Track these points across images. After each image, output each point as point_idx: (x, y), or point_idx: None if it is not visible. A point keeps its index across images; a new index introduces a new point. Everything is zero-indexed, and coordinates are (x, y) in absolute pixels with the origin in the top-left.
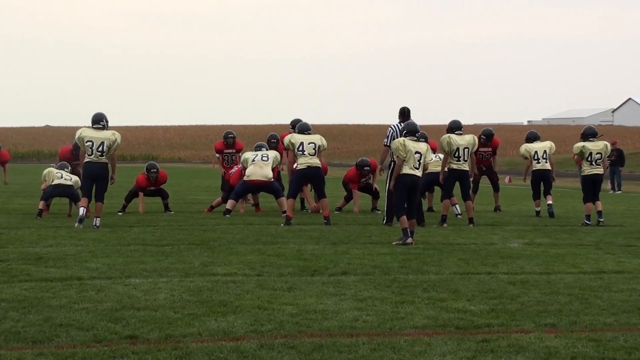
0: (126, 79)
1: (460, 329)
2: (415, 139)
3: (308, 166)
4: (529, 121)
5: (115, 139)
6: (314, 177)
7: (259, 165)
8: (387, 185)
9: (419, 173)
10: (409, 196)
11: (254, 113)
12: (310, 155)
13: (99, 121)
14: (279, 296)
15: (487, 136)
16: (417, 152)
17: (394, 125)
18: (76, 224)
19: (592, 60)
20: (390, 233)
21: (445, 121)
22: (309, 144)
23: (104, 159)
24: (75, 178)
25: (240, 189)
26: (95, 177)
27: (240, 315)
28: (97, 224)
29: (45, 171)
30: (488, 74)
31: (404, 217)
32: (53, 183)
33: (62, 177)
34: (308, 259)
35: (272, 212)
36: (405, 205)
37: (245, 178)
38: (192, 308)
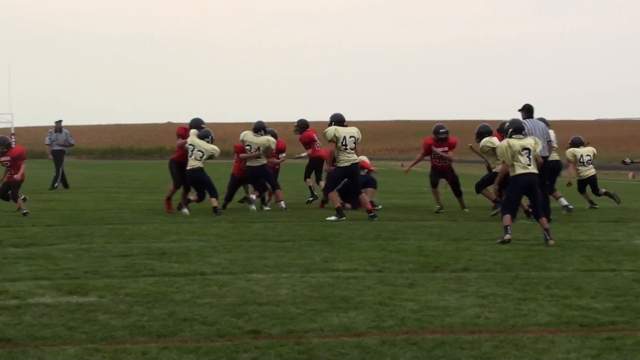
0: (242, 76)
1: (584, 326)
2: (522, 136)
3: (352, 163)
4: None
5: (269, 145)
6: (354, 174)
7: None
8: None
9: (534, 170)
10: (530, 196)
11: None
12: (351, 149)
13: (259, 129)
14: (400, 292)
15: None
16: (525, 149)
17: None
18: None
19: None
20: (512, 229)
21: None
22: (350, 137)
23: (262, 161)
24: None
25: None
26: (260, 174)
27: (361, 311)
28: (284, 206)
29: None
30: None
31: (508, 216)
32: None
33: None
34: (429, 255)
35: (391, 209)
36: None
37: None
38: (314, 303)
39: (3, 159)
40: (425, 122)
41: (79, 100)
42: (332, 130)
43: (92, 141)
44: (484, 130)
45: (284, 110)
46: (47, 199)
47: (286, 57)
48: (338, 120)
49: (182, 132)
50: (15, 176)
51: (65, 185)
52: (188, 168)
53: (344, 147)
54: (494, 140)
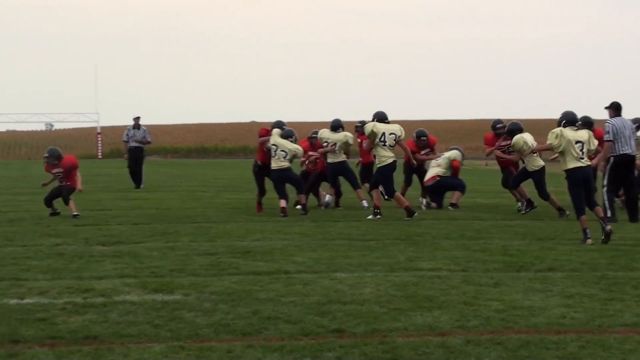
0: (324, 75)
1: None
2: (576, 128)
3: (394, 160)
4: None
5: (347, 141)
6: (394, 170)
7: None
8: (604, 180)
9: (585, 162)
10: (585, 188)
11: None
12: (391, 147)
13: (337, 127)
14: (484, 292)
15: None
16: (577, 142)
17: (610, 120)
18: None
19: None
20: (599, 229)
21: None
22: (390, 134)
23: (342, 157)
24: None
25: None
26: (340, 171)
27: (446, 311)
28: (366, 205)
29: None
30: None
31: (583, 217)
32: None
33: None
34: (514, 255)
35: (475, 208)
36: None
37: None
38: (398, 303)
39: (55, 170)
40: (511, 121)
41: (164, 100)
42: (370, 125)
43: (177, 140)
44: (515, 127)
45: (368, 109)
46: (133, 198)
47: (369, 54)
48: (380, 117)
49: (264, 133)
50: (77, 188)
51: (139, 184)
52: (274, 168)
53: (382, 143)
54: (526, 137)
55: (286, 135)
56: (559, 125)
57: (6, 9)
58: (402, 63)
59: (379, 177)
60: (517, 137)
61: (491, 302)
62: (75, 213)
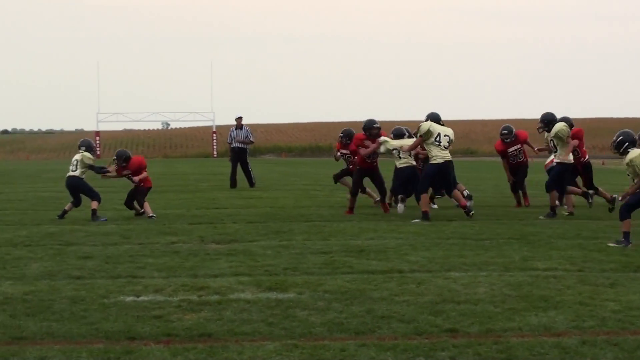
0: (431, 73)
1: None
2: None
3: (445, 160)
4: None
5: (452, 139)
6: (448, 171)
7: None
8: None
9: None
10: None
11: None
12: (445, 148)
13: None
14: (601, 292)
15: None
16: None
17: None
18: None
19: None
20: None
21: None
22: (444, 136)
23: (406, 162)
24: None
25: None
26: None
27: (561, 311)
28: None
29: None
30: None
31: (628, 220)
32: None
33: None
34: (630, 255)
35: (593, 207)
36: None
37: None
38: (513, 302)
39: (125, 172)
40: (624, 120)
41: (279, 99)
42: (427, 124)
43: (292, 139)
44: (552, 118)
45: (485, 108)
46: (247, 197)
47: (481, 53)
48: (434, 118)
49: (360, 142)
50: (134, 178)
51: (233, 183)
52: (404, 166)
53: (437, 142)
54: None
55: (400, 135)
56: (618, 149)
57: (127, 13)
58: (504, 60)
59: (425, 174)
60: (560, 125)
61: (607, 302)
62: (151, 215)
